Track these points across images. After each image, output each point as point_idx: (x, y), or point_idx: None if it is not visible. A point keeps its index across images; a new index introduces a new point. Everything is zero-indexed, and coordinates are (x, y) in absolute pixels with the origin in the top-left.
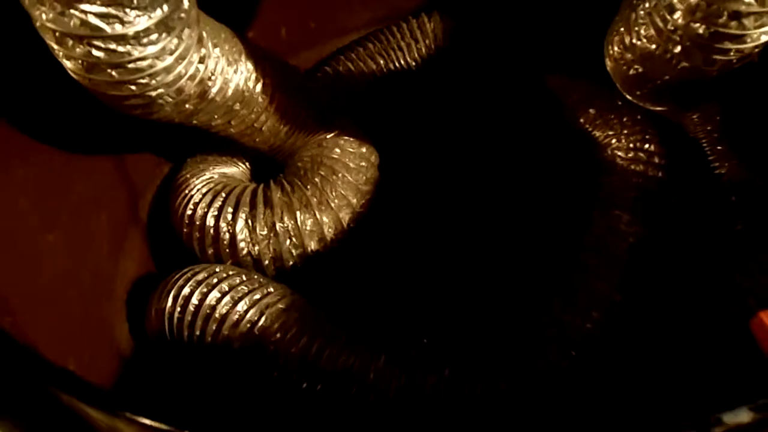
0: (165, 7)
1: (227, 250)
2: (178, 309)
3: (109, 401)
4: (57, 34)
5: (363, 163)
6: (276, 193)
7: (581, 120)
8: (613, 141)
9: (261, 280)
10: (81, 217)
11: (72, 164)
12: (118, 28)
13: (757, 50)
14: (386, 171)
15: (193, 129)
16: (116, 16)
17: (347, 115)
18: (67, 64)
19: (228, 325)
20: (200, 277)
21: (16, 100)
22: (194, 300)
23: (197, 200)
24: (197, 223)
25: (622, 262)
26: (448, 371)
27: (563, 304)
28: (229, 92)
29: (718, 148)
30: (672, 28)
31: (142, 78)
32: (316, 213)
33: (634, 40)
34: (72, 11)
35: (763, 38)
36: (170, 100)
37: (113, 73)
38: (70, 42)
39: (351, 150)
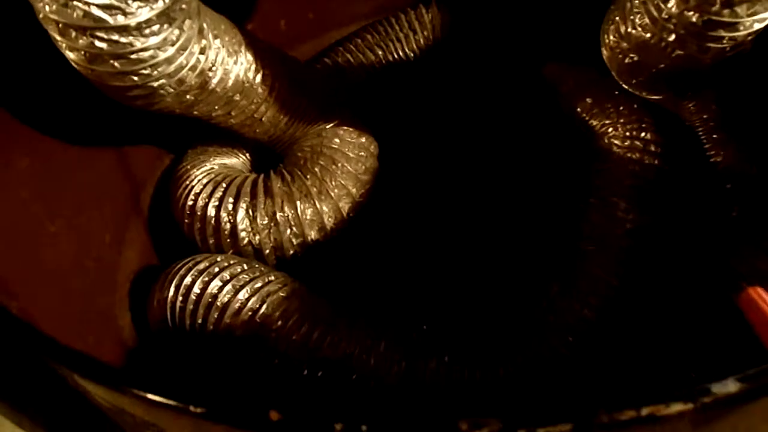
0: None
1: (228, 240)
2: (180, 298)
3: (116, 378)
4: (60, 25)
5: (362, 153)
6: (276, 182)
7: (578, 109)
8: (610, 129)
9: (262, 268)
10: (83, 208)
11: (73, 156)
12: (121, 19)
13: (750, 38)
14: (385, 161)
15: (193, 120)
16: (118, 8)
17: (346, 105)
18: (70, 55)
19: (230, 313)
20: (202, 266)
21: (18, 91)
22: (196, 289)
23: (198, 191)
24: (198, 213)
25: (619, 248)
26: (448, 357)
27: (562, 290)
28: (230, 83)
29: (714, 136)
30: (666, 16)
31: (144, 69)
32: (316, 202)
33: (629, 29)
34: (75, 3)
35: (756, 26)
36: (171, 90)
37: (116, 63)
38: (73, 33)
39: (350, 140)
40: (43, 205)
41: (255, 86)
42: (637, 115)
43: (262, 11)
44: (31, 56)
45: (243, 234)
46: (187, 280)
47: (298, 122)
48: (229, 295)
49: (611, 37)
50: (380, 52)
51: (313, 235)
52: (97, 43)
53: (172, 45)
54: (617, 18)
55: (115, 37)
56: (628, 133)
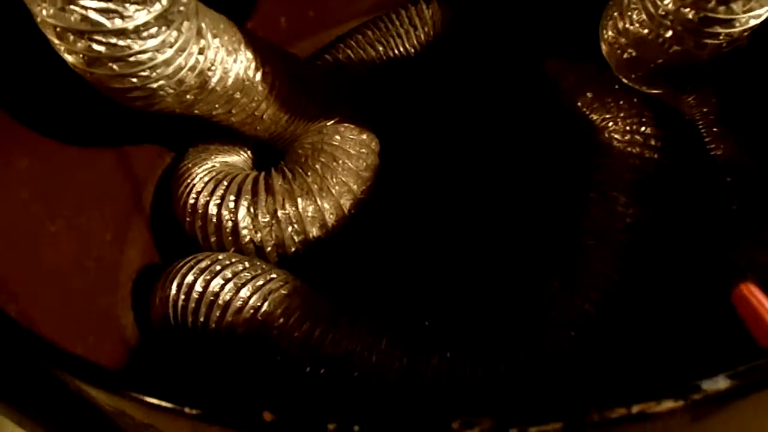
0: (164, 1)
1: (230, 238)
2: (182, 296)
3: (113, 381)
4: (58, 29)
5: (363, 150)
6: (277, 180)
7: (578, 104)
8: (610, 124)
9: (263, 266)
10: (83, 207)
11: (74, 155)
12: (118, 23)
13: (745, 34)
14: (386, 157)
15: (194, 118)
16: (116, 11)
17: (347, 102)
18: (69, 58)
19: (231, 311)
20: (203, 264)
21: (18, 91)
22: (198, 287)
23: (199, 189)
24: (199, 211)
25: (619, 242)
26: (450, 353)
27: (563, 285)
28: (230, 81)
29: (714, 129)
30: (663, 13)
31: (143, 71)
32: (317, 199)
33: (627, 25)
34: (72, 7)
35: (752, 22)
36: (171, 91)
37: (114, 66)
38: (71, 37)
39: (351, 137)
40: (43, 205)
41: (255, 84)
42: (637, 109)
43: (263, 9)
44: (31, 56)
45: (244, 232)
46: (189, 278)
47: (299, 119)
48: (230, 294)
49: (609, 33)
50: (381, 49)
51: (314, 232)
52: (96, 47)
53: (171, 47)
54: (615, 14)
55: (113, 40)
56: (628, 128)
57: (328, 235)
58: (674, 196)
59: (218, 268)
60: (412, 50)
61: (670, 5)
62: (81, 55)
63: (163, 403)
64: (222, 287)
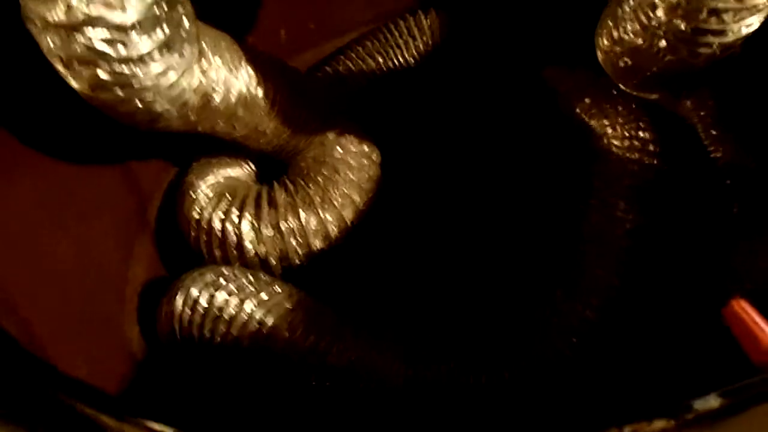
0: (166, 29)
1: (234, 252)
2: (188, 311)
3: (116, 406)
4: (64, 58)
5: (365, 162)
6: (280, 193)
7: (577, 110)
8: (609, 130)
9: (268, 280)
10: (89, 223)
11: (78, 171)
12: (123, 52)
13: (739, 42)
14: (388, 167)
15: (198, 134)
16: (120, 40)
17: (348, 113)
18: (74, 84)
19: (236, 325)
20: (208, 278)
21: (22, 107)
22: (203, 301)
23: (203, 203)
24: (204, 226)
25: (619, 248)
26: (453, 362)
27: (564, 292)
28: (232, 99)
29: (713, 132)
30: (656, 24)
31: (147, 95)
32: (320, 212)
33: (621, 35)
34: (77, 37)
35: (744, 30)
36: (175, 112)
37: (119, 92)
38: (77, 65)
39: (353, 149)
40: (48, 221)
41: (257, 99)
42: (636, 115)
43: (263, 22)
44: (35, 70)
45: (248, 245)
46: (194, 292)
47: (301, 132)
48: (235, 307)
49: (605, 42)
50: (380, 59)
51: (317, 244)
52: (101, 74)
53: (174, 71)
54: (610, 23)
55: (118, 67)
56: (626, 133)
57: (332, 246)
58: (674, 200)
59: (223, 282)
60: (412, 60)
61: (662, 16)
62: (87, 82)
63: (166, 429)
64: (227, 301)
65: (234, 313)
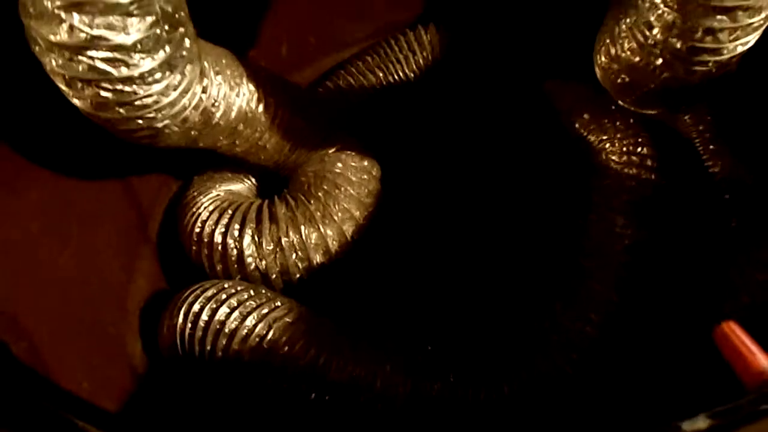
0: (167, 48)
1: (235, 266)
2: (189, 325)
3: (116, 423)
4: (66, 77)
5: (365, 176)
6: (281, 208)
7: (576, 125)
8: (607, 145)
9: (268, 294)
10: (91, 236)
11: (80, 185)
12: (124, 71)
13: (734, 60)
14: (388, 182)
15: (199, 149)
16: (122, 60)
17: (348, 128)
18: (77, 103)
19: (237, 339)
20: (209, 293)
21: (25, 122)
22: (204, 316)
23: (204, 218)
24: (205, 240)
25: (618, 263)
26: (453, 376)
27: (564, 308)
28: (233, 115)
29: (711, 147)
30: (652, 42)
31: (149, 113)
32: (320, 227)
33: (618, 52)
34: (80, 57)
35: (740, 49)
36: (176, 129)
37: (121, 110)
38: (79, 84)
39: (353, 164)
40: (50, 235)
41: (258, 115)
42: (634, 130)
43: (264, 38)
44: (38, 84)
45: (249, 260)
46: (196, 307)
47: (301, 148)
48: (236, 322)
49: (603, 58)
50: (381, 74)
51: (318, 258)
52: (103, 93)
53: (175, 89)
54: (607, 40)
55: (120, 87)
56: (625, 148)
57: (332, 261)
58: (672, 215)
59: (224, 296)
60: (412, 75)
61: (658, 35)
62: (89, 101)
63: None
64: (228, 316)
65: (235, 327)
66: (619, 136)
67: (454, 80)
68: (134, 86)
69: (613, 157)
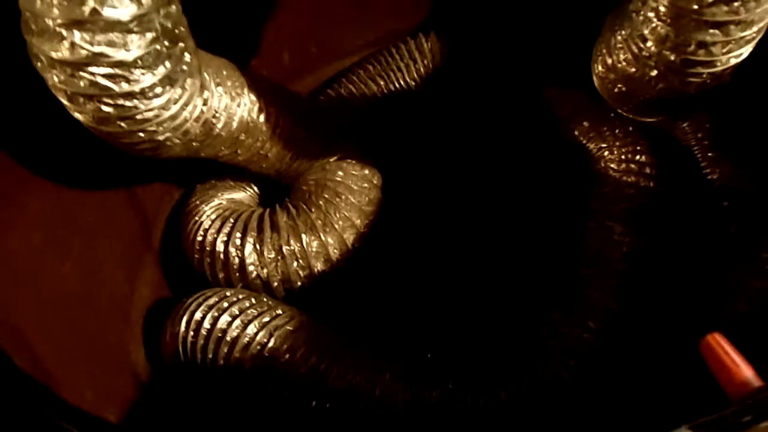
0: (168, 64)
1: (237, 274)
2: (191, 333)
3: None
4: (68, 93)
5: (365, 185)
6: (282, 217)
7: (575, 132)
8: (606, 153)
9: (270, 302)
10: (94, 247)
11: (84, 196)
12: (125, 86)
13: (728, 72)
14: (389, 190)
15: (201, 158)
16: (122, 76)
17: (349, 137)
18: (79, 117)
19: (239, 347)
20: (211, 301)
21: (28, 133)
22: (206, 324)
23: (207, 226)
24: (207, 248)
25: (617, 271)
26: (452, 383)
27: (562, 315)
28: (234, 125)
29: (709, 154)
30: (646, 54)
31: (150, 126)
32: (321, 235)
33: (615, 62)
34: (81, 73)
35: (733, 61)
36: (178, 141)
37: (123, 124)
38: (81, 99)
39: (354, 172)
40: (54, 247)
41: (259, 125)
42: (633, 138)
43: (266, 46)
44: (40, 97)
45: (251, 268)
46: (198, 315)
47: (303, 156)
48: (238, 330)
49: (600, 68)
50: (382, 82)
51: (319, 266)
52: (104, 108)
53: (176, 103)
54: (604, 50)
55: (121, 101)
56: (623, 156)
57: (333, 269)
58: (671, 222)
59: (226, 305)
60: (413, 83)
61: (652, 47)
62: (91, 116)
63: None
64: (229, 324)
65: (236, 335)
66: (618, 143)
67: (455, 88)
68: (135, 101)
69: (612, 165)
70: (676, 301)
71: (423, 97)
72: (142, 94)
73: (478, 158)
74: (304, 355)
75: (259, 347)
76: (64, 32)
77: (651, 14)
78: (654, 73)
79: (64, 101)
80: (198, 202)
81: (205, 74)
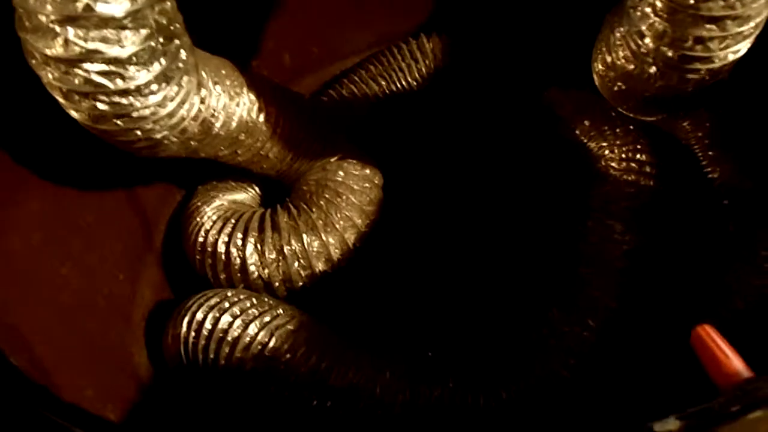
0: (163, 61)
1: (238, 275)
2: (193, 334)
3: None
4: (63, 90)
5: (366, 185)
6: (283, 217)
7: (576, 132)
8: (607, 152)
9: (271, 302)
10: (95, 247)
11: (84, 196)
12: (120, 84)
13: (726, 68)
14: (390, 190)
15: (202, 159)
16: (117, 73)
17: (350, 137)
18: (75, 115)
19: (240, 347)
20: (212, 302)
21: (28, 133)
22: (207, 324)
23: (208, 227)
24: (209, 249)
25: (617, 270)
26: (452, 382)
27: (561, 313)
28: (233, 125)
29: (710, 153)
30: (645, 51)
31: (147, 124)
32: (322, 235)
33: (614, 60)
34: (76, 70)
35: (731, 57)
36: (175, 140)
37: (119, 122)
38: (76, 97)
39: (355, 172)
40: (54, 248)
41: (259, 125)
42: (633, 137)
43: (267, 47)
44: (39, 95)
45: (252, 268)
46: (199, 315)
47: (303, 157)
48: (239, 330)
49: (599, 67)
50: (383, 83)
51: (320, 266)
52: (100, 106)
53: (172, 101)
54: (603, 49)
55: (116, 99)
56: (624, 155)
57: (334, 269)
58: (671, 221)
59: (227, 305)
60: (414, 83)
61: (650, 44)
62: (86, 113)
63: None
64: (231, 324)
65: (237, 335)
66: (618, 142)
67: (456, 88)
68: (131, 98)
69: (613, 164)
70: (675, 300)
71: (424, 98)
72: (138, 91)
73: (479, 158)
74: (305, 355)
75: (260, 347)
76: (58, 29)
77: (648, 10)
78: (653, 70)
79: (60, 99)
80: (199, 203)
81: (203, 73)
